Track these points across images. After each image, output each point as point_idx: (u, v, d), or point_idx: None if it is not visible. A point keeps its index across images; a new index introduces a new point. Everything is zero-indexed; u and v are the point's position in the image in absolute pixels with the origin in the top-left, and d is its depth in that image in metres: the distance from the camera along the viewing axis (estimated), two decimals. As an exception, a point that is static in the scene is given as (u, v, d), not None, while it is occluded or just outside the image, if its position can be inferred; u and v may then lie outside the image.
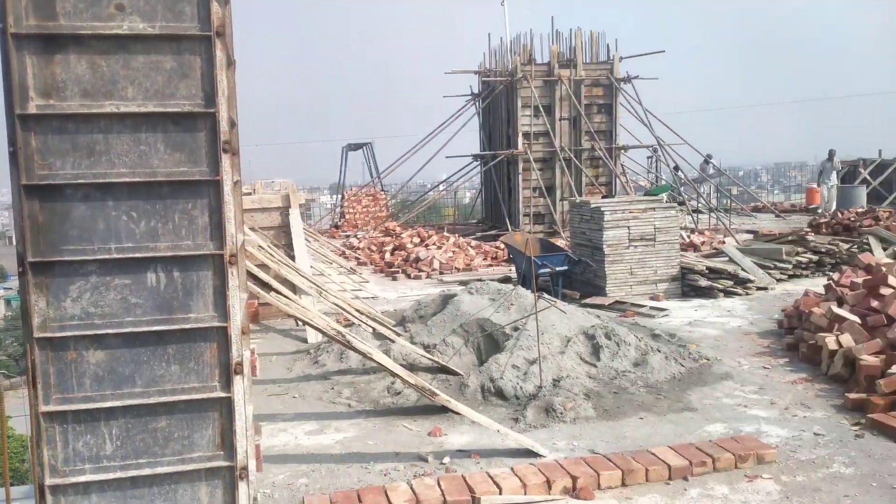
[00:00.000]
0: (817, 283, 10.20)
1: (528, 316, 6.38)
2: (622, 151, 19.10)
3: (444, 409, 5.14)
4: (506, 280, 10.74)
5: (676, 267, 9.75)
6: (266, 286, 5.97)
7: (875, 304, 6.42)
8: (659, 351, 6.30)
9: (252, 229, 8.64)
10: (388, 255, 13.96)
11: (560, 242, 13.09)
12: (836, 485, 3.99)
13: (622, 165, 19.91)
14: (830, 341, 5.94)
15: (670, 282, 9.72)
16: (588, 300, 9.38)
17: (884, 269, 7.41)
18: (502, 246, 13.48)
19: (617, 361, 6.05)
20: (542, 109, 17.99)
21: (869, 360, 5.38)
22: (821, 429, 4.75)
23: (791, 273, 10.71)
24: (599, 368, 5.99)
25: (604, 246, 9.45)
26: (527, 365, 5.90)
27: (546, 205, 18.13)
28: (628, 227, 9.51)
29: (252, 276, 5.84)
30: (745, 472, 4.17)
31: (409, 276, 12.36)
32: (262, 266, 6.70)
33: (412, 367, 6.08)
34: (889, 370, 5.11)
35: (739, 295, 9.56)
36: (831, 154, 21.23)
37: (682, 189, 20.83)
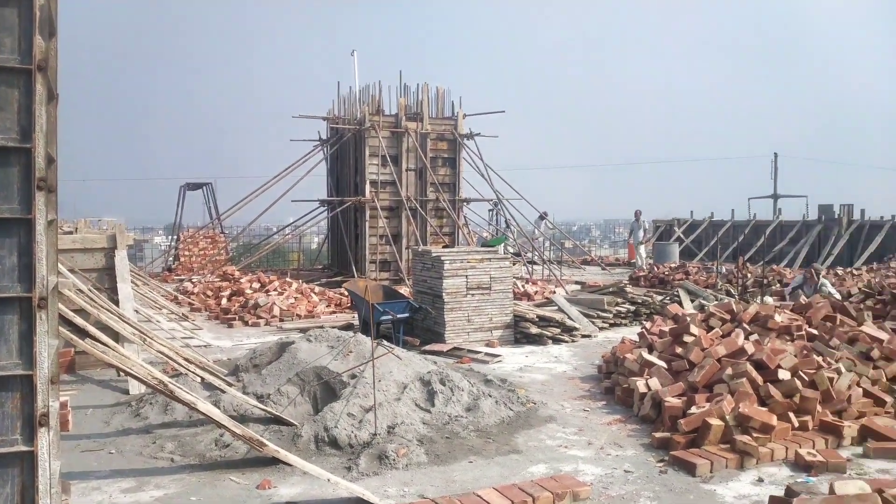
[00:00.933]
0: (634, 331, 11.10)
1: (366, 363, 6.42)
2: (464, 204, 19.87)
3: (275, 461, 5.02)
4: (348, 327, 10.72)
5: (510, 315, 10.24)
6: (82, 332, 5.55)
7: (679, 350, 7.14)
8: (490, 396, 6.57)
9: (71, 271, 8.03)
10: (224, 301, 13.40)
11: (404, 290, 13.30)
12: (641, 517, 4.36)
13: (464, 217, 20.70)
14: (641, 385, 6.50)
15: (504, 329, 10.18)
16: (428, 347, 9.58)
17: (688, 318, 8.26)
18: (346, 293, 13.45)
19: (451, 407, 6.23)
20: (389, 159, 18.37)
21: (672, 401, 5.95)
22: (631, 466, 5.17)
23: (612, 322, 11.61)
24: (434, 414, 6.13)
25: (443, 294, 9.75)
26: (362, 413, 5.91)
27: (392, 252, 18.37)
28: (466, 276, 9.89)
29: (66, 322, 5.42)
30: (562, 509, 4.44)
31: (246, 324, 11.95)
32: (81, 311, 6.23)
33: (243, 419, 5.89)
34: (689, 410, 5.68)
35: (566, 342, 10.21)
36: (637, 214, 22.91)
37: (516, 242, 21.97)
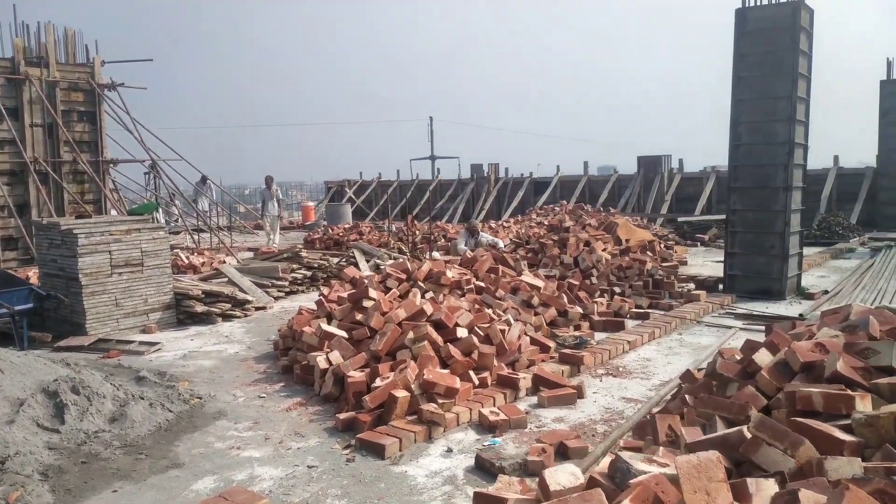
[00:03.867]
0: (312, 298, 10.56)
1: (-42, 379, 4.75)
2: (111, 166, 17.21)
3: None
4: (-52, 327, 8.30)
5: (170, 293, 8.88)
6: None
7: (359, 316, 6.70)
8: (142, 398, 5.38)
9: None
10: None
11: (34, 274, 10.89)
12: (330, 522, 3.76)
13: (113, 181, 17.99)
14: (321, 360, 5.90)
15: (164, 310, 8.81)
16: (64, 342, 7.82)
17: (365, 281, 7.91)
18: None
19: (87, 421, 4.92)
20: (5, 113, 14.95)
21: (355, 375, 5.46)
22: (315, 459, 4.54)
23: (288, 290, 10.91)
24: (64, 434, 4.78)
25: (80, 275, 8.01)
26: (-48, 449, 4.33)
27: (18, 227, 15.12)
28: (110, 252, 8.26)
29: None
30: (235, 533, 3.63)
31: None
32: None
33: None
34: (374, 384, 5.24)
35: (238, 317, 9.23)
36: (268, 181, 18.68)
37: (178, 209, 19.84)
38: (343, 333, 6.36)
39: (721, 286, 10.21)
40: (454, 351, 5.72)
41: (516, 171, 27.51)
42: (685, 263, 13.14)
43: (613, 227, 12.97)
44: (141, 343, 7.80)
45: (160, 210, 18.70)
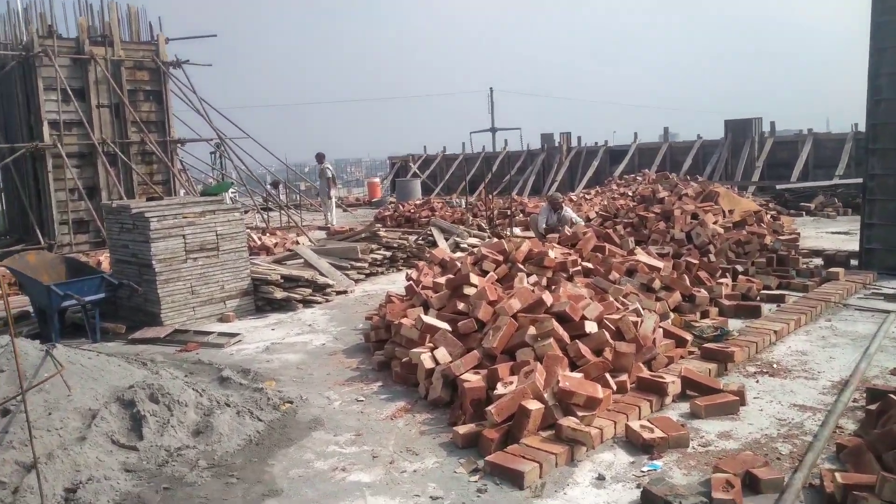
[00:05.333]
0: (394, 281, 9.84)
1: (30, 389, 4.14)
2: (178, 146, 16.84)
3: None
4: (23, 318, 7.89)
5: (247, 279, 8.25)
6: None
7: (461, 306, 5.87)
8: (228, 405, 4.69)
9: None
10: None
11: (105, 258, 10.50)
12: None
13: (181, 161, 17.67)
14: (426, 358, 5.10)
15: (241, 297, 8.19)
16: (139, 334, 7.28)
17: (458, 265, 7.08)
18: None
19: (169, 435, 4.26)
20: (72, 94, 14.65)
21: (471, 380, 4.64)
22: (437, 487, 3.75)
23: (368, 272, 10.20)
24: (143, 452, 4.12)
25: (153, 262, 7.43)
26: (20, 475, 3.72)
27: (88, 210, 14.90)
28: (184, 237, 7.65)
29: None
30: None
31: None
32: None
33: None
34: (496, 391, 4.40)
35: (319, 303, 8.55)
36: (320, 158, 17.91)
37: (246, 187, 19.36)
38: (446, 326, 5.54)
39: (855, 262, 8.97)
40: (584, 349, 4.83)
41: (590, 140, 26.20)
42: (798, 235, 11.84)
43: (714, 196, 11.71)
44: (220, 334, 7.18)
45: (232, 190, 18.08)
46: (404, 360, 5.46)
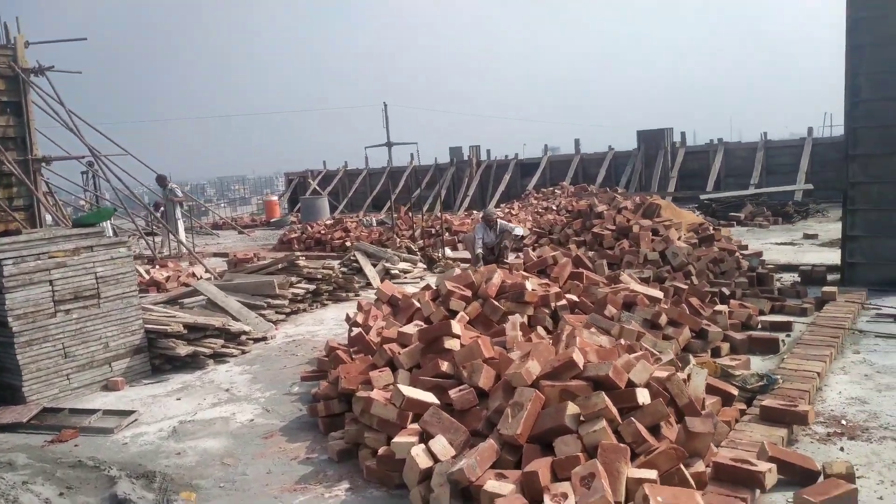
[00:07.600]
0: (321, 320, 8.29)
1: None
2: (43, 164, 14.33)
3: None
4: None
5: (139, 332, 6.42)
6: None
7: (445, 367, 4.45)
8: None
9: None
10: None
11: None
12: None
13: (46, 183, 15.09)
14: (419, 454, 3.63)
15: (133, 356, 6.36)
16: (-11, 418, 5.33)
17: (417, 304, 5.69)
18: None
19: None
20: None
21: (502, 492, 3.21)
22: None
23: (288, 310, 8.52)
24: None
25: (9, 318, 5.50)
26: None
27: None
28: (51, 283, 5.75)
29: None
30: None
31: None
32: None
33: None
34: (543, 511, 3.00)
35: (234, 356, 6.86)
36: (163, 181, 16.15)
37: (128, 211, 16.85)
38: (435, 400, 4.10)
39: (833, 277, 8.26)
40: (643, 432, 3.52)
41: (499, 154, 25.34)
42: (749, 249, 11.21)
43: (655, 210, 10.87)
44: (106, 412, 5.36)
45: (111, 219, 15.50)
46: (381, 451, 3.96)
